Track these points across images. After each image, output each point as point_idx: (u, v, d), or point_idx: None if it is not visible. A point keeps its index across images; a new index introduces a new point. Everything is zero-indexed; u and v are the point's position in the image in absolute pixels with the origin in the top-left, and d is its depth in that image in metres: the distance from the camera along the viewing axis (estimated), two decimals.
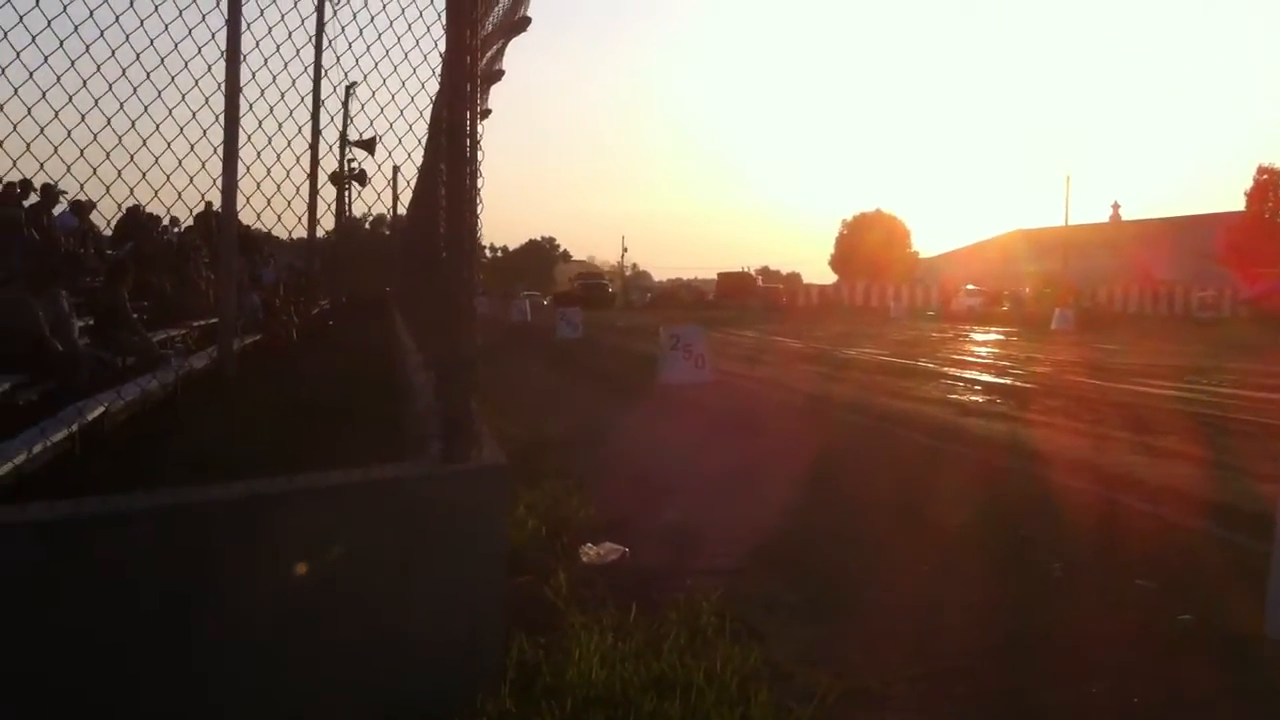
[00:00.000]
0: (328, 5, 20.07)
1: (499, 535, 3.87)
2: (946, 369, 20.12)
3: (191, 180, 3.70)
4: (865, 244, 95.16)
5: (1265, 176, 69.92)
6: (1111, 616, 5.01)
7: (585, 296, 66.97)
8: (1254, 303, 50.56)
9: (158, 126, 3.53)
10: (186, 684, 3.12)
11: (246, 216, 13.01)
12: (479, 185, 3.79)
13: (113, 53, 3.43)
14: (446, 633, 3.59)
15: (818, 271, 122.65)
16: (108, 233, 17.19)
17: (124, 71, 3.42)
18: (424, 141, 5.65)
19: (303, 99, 4.18)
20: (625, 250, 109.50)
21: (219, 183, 10.07)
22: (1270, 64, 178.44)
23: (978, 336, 35.93)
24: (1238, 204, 71.30)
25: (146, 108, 3.49)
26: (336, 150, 34.04)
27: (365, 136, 19.32)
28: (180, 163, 3.62)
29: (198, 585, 3.14)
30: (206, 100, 3.77)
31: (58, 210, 15.85)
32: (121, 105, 3.41)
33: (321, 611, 3.34)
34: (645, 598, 4.97)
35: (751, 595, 5.15)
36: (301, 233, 26.76)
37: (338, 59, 4.09)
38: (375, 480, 3.58)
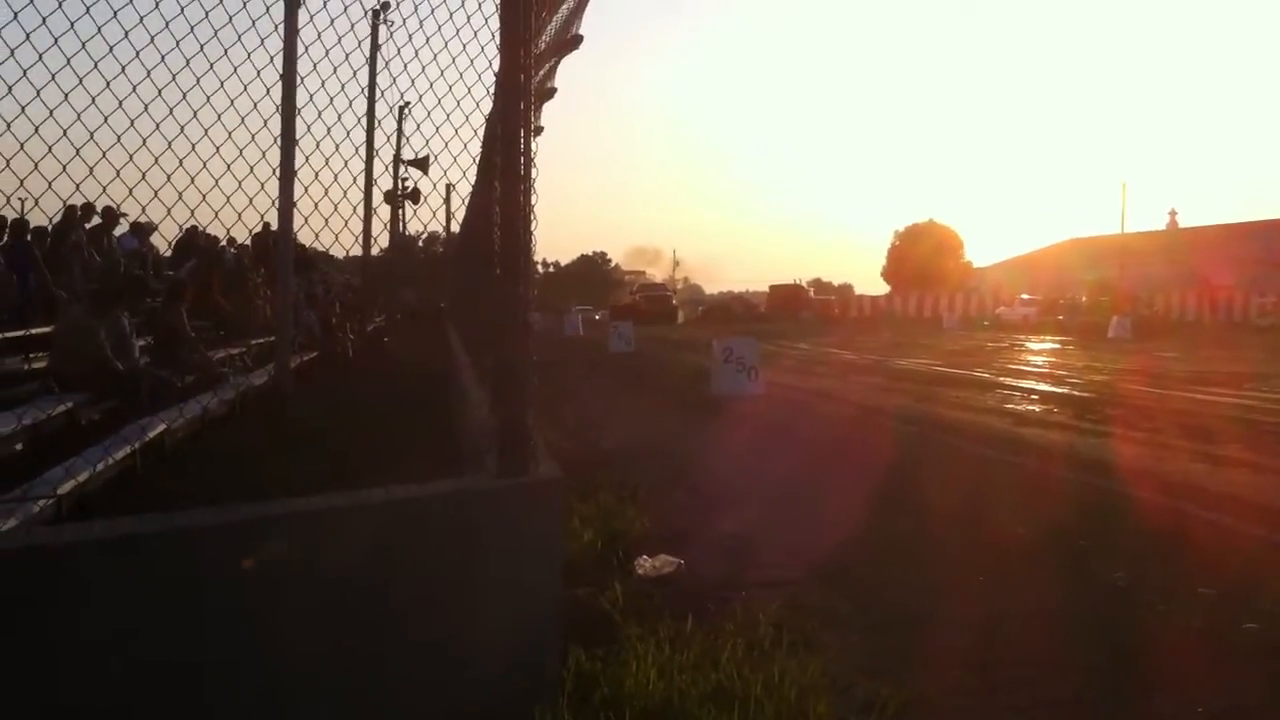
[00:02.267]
0: (382, 29, 20.28)
1: (556, 548, 3.90)
2: (1002, 379, 19.95)
3: (251, 201, 3.78)
4: (917, 254, 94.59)
5: None
6: (1174, 625, 4.95)
7: (648, 310, 61.89)
8: None
9: (218, 149, 3.61)
10: (250, 699, 3.17)
11: (303, 236, 13.19)
12: (533, 202, 3.83)
13: (173, 77, 3.51)
14: (504, 645, 3.62)
15: (870, 283, 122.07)
16: (167, 254, 17.47)
17: (184, 95, 3.50)
18: (477, 160, 5.72)
19: (359, 120, 4.25)
20: (677, 263, 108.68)
21: (276, 203, 10.21)
22: None
23: (1033, 346, 35.58)
24: None
25: (207, 131, 3.56)
26: (391, 169, 34.29)
27: (419, 155, 19.47)
28: (240, 184, 3.69)
29: (259, 601, 3.19)
30: (265, 123, 3.85)
31: (118, 232, 16.14)
32: (183, 129, 3.49)
33: (380, 625, 3.38)
34: (702, 609, 4.98)
35: (808, 607, 5.14)
36: (356, 250, 26.96)
37: (394, 80, 4.11)
38: (433, 495, 3.62)
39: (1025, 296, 64.74)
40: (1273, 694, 4.17)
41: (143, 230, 15.98)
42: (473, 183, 6.85)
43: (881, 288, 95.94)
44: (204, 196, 3.59)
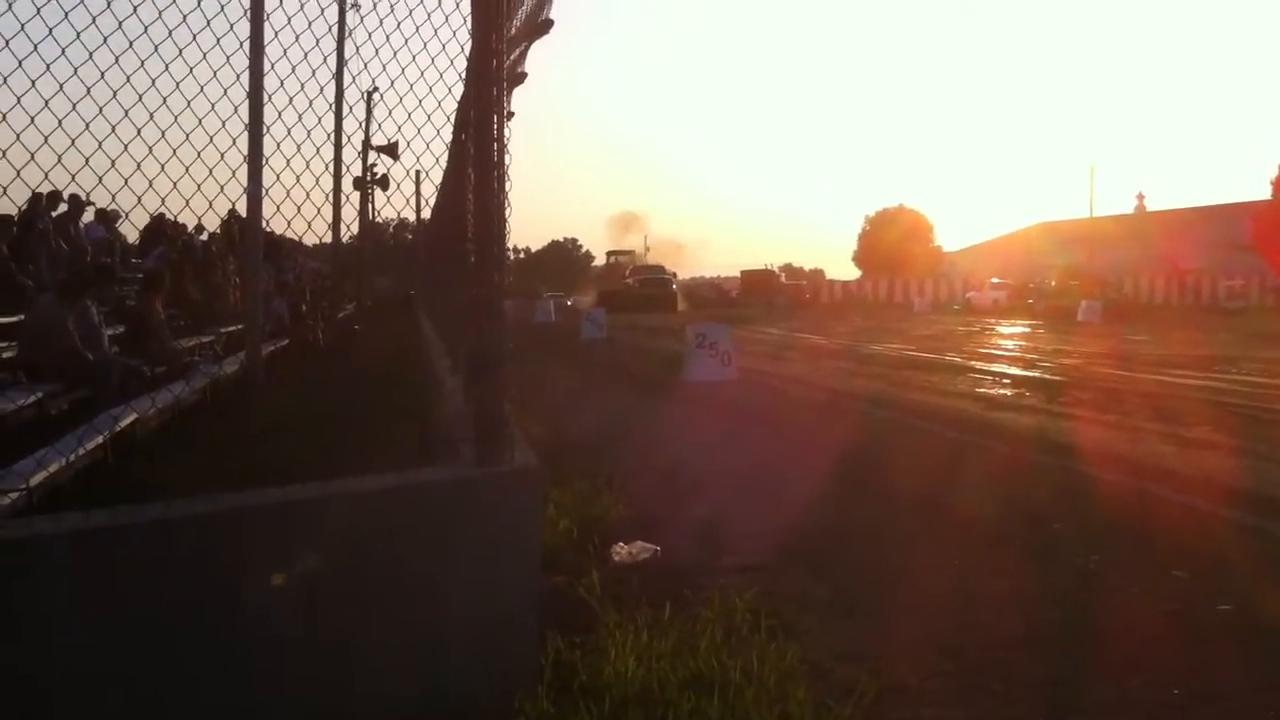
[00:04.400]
0: (352, 13, 20.18)
1: (534, 537, 3.88)
2: (974, 363, 20.06)
3: (223, 189, 3.74)
4: (888, 239, 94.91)
5: None
6: (1148, 608, 4.98)
7: (644, 296, 54.33)
8: None
9: (188, 136, 3.56)
10: (223, 689, 3.14)
11: (272, 223, 13.08)
12: (507, 189, 3.79)
13: (141, 63, 3.45)
14: (483, 634, 3.60)
15: (841, 268, 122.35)
16: (135, 242, 17.28)
17: (154, 82, 3.44)
18: (449, 145, 5.67)
19: (331, 106, 4.21)
20: (649, 249, 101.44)
21: (246, 189, 10.11)
22: None
23: (1004, 330, 35.83)
24: (1264, 193, 70.82)
25: (177, 118, 3.50)
26: (361, 156, 34.12)
27: (389, 141, 19.36)
28: (211, 171, 3.65)
29: (234, 592, 3.16)
30: (236, 110, 3.81)
31: (84, 220, 15.96)
32: (152, 115, 3.43)
33: (358, 616, 3.36)
34: (679, 596, 4.98)
35: (785, 592, 5.15)
36: (326, 238, 26.84)
37: (365, 66, 4.07)
38: (410, 484, 3.60)
39: (995, 281, 65.04)
40: (1247, 675, 4.19)
41: (109, 218, 15.80)
42: (444, 169, 6.81)
43: (853, 272, 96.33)
44: (175, 185, 3.54)
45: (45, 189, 12.29)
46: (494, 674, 3.62)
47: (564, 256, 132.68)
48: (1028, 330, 35.54)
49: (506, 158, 3.84)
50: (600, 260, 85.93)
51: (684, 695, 3.73)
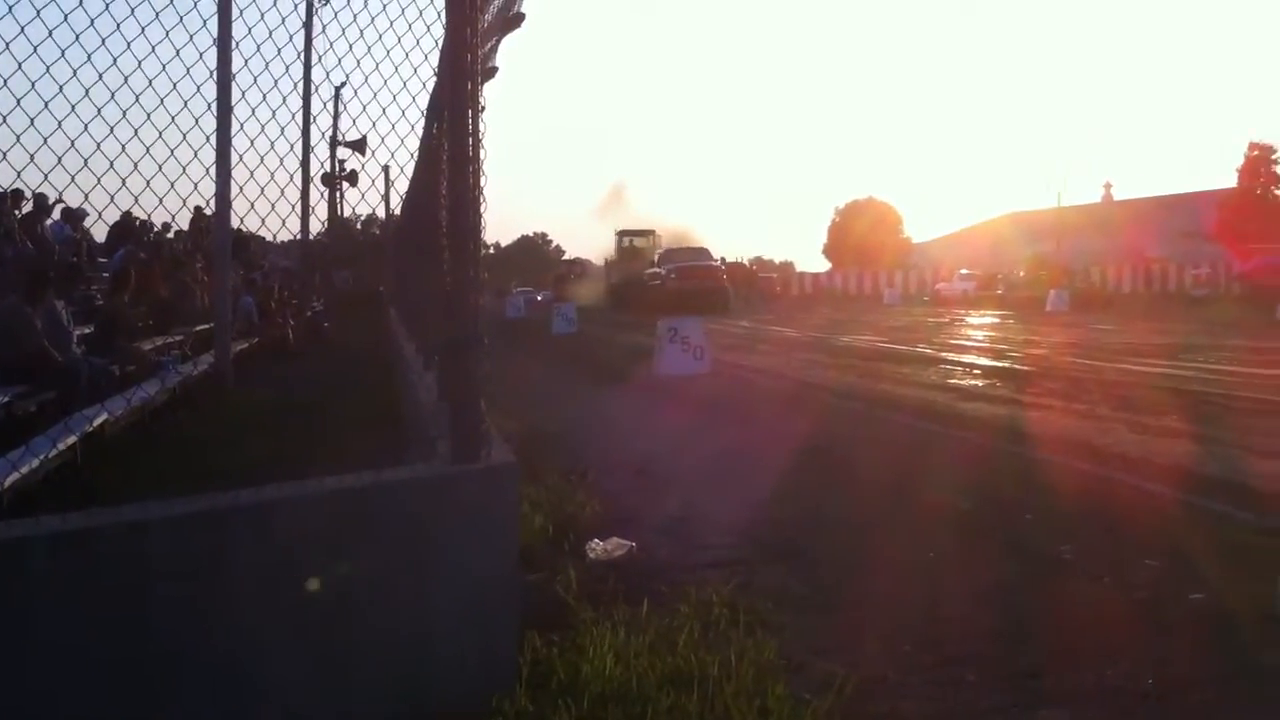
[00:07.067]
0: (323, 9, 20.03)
1: (510, 534, 3.87)
2: (944, 354, 20.14)
3: (196, 187, 3.70)
4: (857, 231, 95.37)
5: (1256, 152, 70.33)
6: (1122, 598, 5.01)
7: (683, 292, 39.49)
8: (1246, 278, 50.70)
9: (161, 134, 3.51)
10: (201, 695, 3.11)
11: (240, 219, 12.98)
12: (482, 184, 3.77)
13: (115, 60, 3.41)
14: (461, 633, 3.59)
15: (811, 260, 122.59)
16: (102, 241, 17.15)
17: (126, 80, 3.40)
18: (421, 138, 5.64)
19: (303, 104, 4.17)
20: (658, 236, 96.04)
21: (215, 186, 10.05)
22: (1261, 39, 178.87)
23: (973, 320, 36.02)
24: (1231, 181, 71.58)
25: (150, 115, 3.46)
26: (329, 151, 33.94)
27: (358, 137, 19.27)
28: (185, 169, 3.61)
29: (211, 593, 3.14)
30: (210, 106, 3.77)
31: (50, 219, 15.81)
32: (125, 114, 3.39)
33: (335, 616, 3.33)
34: (656, 592, 4.97)
35: (762, 587, 5.14)
36: (295, 234, 26.68)
37: (339, 61, 4.04)
38: (386, 483, 3.58)
39: (964, 272, 65.29)
40: (1219, 663, 4.22)
41: (75, 216, 15.67)
42: (415, 164, 6.77)
43: (823, 264, 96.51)
44: (148, 183, 3.50)
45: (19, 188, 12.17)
46: (473, 674, 3.60)
47: (534, 252, 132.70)
48: (997, 320, 35.72)
49: (481, 152, 3.82)
50: (607, 253, 59.64)
51: (662, 692, 3.72)
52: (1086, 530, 6.20)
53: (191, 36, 3.70)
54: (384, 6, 4.09)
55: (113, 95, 3.44)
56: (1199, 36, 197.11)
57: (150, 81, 3.55)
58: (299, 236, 27.99)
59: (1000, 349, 21.39)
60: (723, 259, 51.50)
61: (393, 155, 4.30)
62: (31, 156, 3.25)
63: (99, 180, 3.34)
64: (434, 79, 4.45)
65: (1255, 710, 3.86)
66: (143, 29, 3.53)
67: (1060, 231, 69.63)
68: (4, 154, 3.16)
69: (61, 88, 3.29)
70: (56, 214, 15.71)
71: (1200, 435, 9.56)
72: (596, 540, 5.91)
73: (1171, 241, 68.31)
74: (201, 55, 3.78)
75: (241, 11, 3.87)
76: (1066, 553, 5.74)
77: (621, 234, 58.01)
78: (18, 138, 3.21)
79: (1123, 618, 4.76)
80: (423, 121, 5.35)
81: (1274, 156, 69.86)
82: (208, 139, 3.91)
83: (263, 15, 3.87)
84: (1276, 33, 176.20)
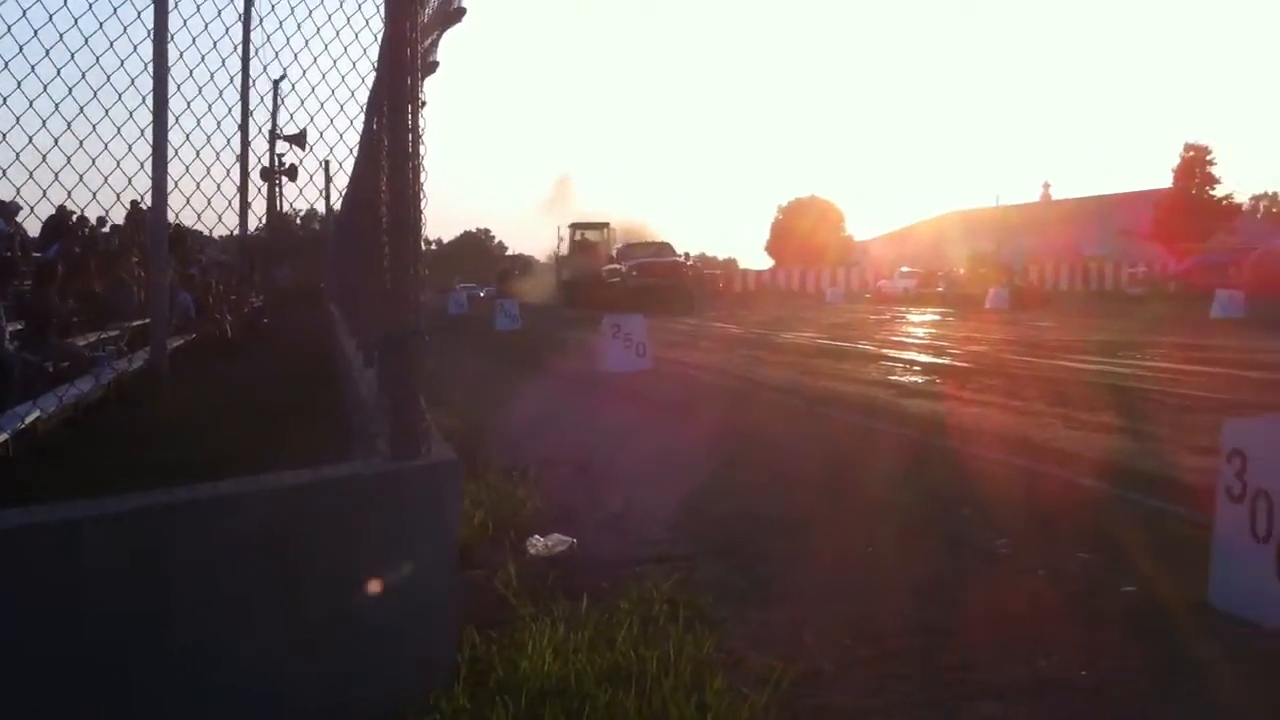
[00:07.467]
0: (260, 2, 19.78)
1: (450, 532, 3.85)
2: (885, 350, 20.32)
3: (130, 181, 3.65)
4: (800, 228, 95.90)
5: (1191, 153, 71.50)
6: (1056, 591, 5.08)
7: (642, 289, 39.09)
8: (1182, 277, 51.69)
9: (94, 127, 3.47)
10: (138, 689, 3.08)
11: (175, 214, 12.81)
12: (422, 180, 3.75)
13: (46, 52, 3.36)
14: (399, 630, 3.56)
15: (754, 257, 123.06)
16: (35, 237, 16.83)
17: (59, 72, 3.35)
18: (361, 133, 5.60)
19: (241, 97, 4.13)
20: (561, 239, 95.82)
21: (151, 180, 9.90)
22: (1197, 43, 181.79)
23: (914, 318, 36.36)
24: (1166, 181, 72.73)
25: (83, 108, 3.42)
26: (269, 145, 33.55)
27: (296, 130, 19.06)
28: (119, 164, 3.56)
29: (147, 592, 3.10)
30: (144, 99, 3.72)
31: None
32: (57, 107, 3.34)
33: (271, 614, 3.30)
34: (596, 588, 4.97)
35: (701, 581, 5.16)
36: (233, 229, 26.34)
37: (276, 54, 4.01)
38: (324, 480, 3.54)
39: (905, 269, 65.96)
40: (1152, 655, 4.29)
41: (8, 210, 15.37)
42: (355, 159, 6.72)
43: (766, 262, 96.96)
44: (81, 177, 3.45)
45: None
46: (410, 671, 3.58)
47: (477, 247, 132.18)
48: (937, 318, 36.09)
49: (422, 148, 3.81)
50: (560, 249, 55.42)
51: (601, 688, 3.72)
52: (1022, 525, 6.29)
53: (125, 28, 3.65)
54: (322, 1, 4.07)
55: (45, 87, 3.38)
56: (1137, 40, 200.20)
57: (84, 74, 3.51)
58: (237, 232, 27.63)
59: (940, 345, 21.61)
60: (686, 254, 50.02)
61: (332, 150, 4.27)
62: None
63: (31, 174, 3.28)
64: (374, 74, 4.42)
65: (1186, 700, 3.92)
66: (75, 20, 3.48)
67: (1000, 230, 70.51)
68: None
69: None
70: None
71: (1135, 431, 9.72)
72: (537, 536, 5.90)
73: (1109, 240, 69.42)
74: (136, 47, 3.72)
75: (177, 2, 3.82)
76: (1002, 547, 5.82)
77: (574, 227, 54.90)
78: None
79: (1056, 610, 4.83)
80: (363, 116, 5.30)
81: (1209, 157, 71.16)
82: (143, 132, 3.85)
83: (198, 7, 3.84)
84: (1211, 36, 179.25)
